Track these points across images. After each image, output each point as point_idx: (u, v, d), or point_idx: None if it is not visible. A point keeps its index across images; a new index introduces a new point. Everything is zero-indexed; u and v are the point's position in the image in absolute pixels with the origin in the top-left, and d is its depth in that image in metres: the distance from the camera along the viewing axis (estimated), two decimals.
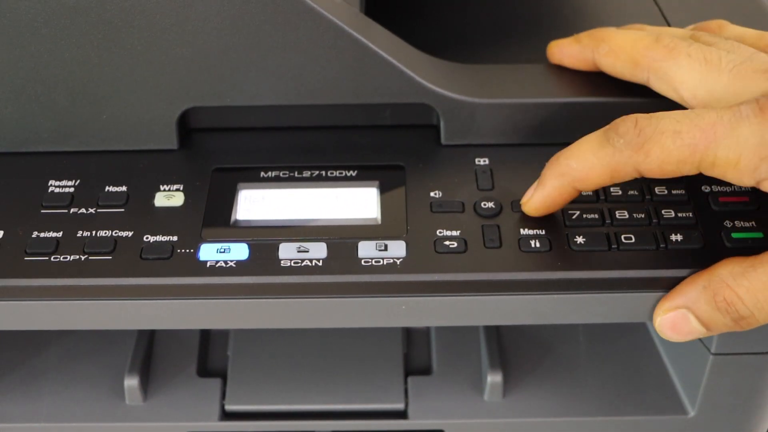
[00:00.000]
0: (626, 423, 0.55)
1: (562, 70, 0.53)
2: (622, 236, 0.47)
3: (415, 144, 0.52)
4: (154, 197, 0.50)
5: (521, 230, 0.47)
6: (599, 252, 0.46)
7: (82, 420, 0.55)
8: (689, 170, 0.43)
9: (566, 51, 0.53)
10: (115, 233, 0.48)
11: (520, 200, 0.48)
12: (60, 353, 0.59)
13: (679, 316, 0.45)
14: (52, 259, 0.46)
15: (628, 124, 0.44)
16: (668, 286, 0.46)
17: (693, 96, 0.47)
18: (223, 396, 0.56)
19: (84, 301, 0.47)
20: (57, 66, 0.49)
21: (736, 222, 0.47)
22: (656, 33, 0.50)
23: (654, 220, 0.48)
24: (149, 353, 0.58)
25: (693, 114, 0.43)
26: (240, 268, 0.46)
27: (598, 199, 0.49)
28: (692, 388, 0.54)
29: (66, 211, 0.49)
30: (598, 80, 0.52)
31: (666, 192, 0.49)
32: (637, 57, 0.49)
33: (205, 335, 0.61)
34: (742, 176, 0.42)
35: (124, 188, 0.50)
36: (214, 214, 0.49)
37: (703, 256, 0.46)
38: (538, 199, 0.47)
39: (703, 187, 0.49)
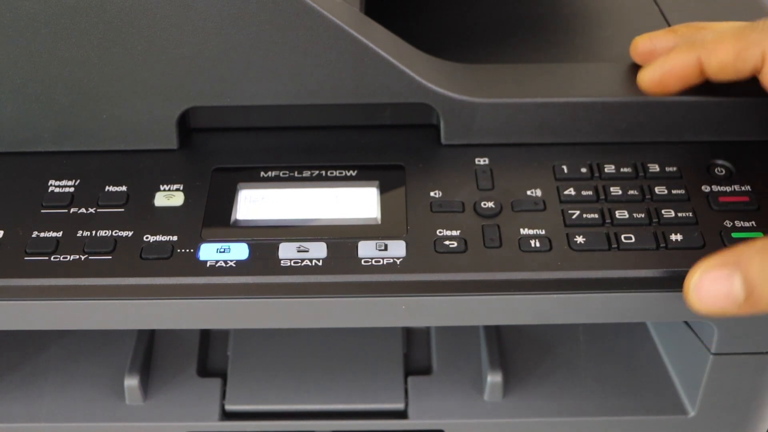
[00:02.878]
0: (626, 423, 0.55)
1: (562, 70, 0.53)
2: (622, 236, 0.47)
3: (415, 144, 0.52)
4: (154, 197, 0.49)
5: (521, 230, 0.47)
6: (599, 252, 0.46)
7: (82, 420, 0.55)
8: None
9: (659, 42, 0.51)
10: (115, 233, 0.48)
11: (520, 199, 0.48)
12: (60, 353, 0.59)
13: (723, 275, 0.43)
14: (52, 259, 0.46)
15: None
16: (668, 286, 0.46)
17: None
18: (223, 396, 0.56)
19: (84, 301, 0.47)
20: (57, 66, 0.49)
21: (736, 222, 0.47)
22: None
23: (654, 220, 0.48)
24: (149, 353, 0.58)
25: None
26: (240, 267, 0.46)
27: (598, 199, 0.49)
28: (692, 388, 0.54)
29: (66, 211, 0.49)
30: (598, 80, 0.52)
31: (666, 192, 0.49)
32: (747, 42, 0.46)
33: (205, 335, 0.61)
34: None
35: (124, 188, 0.50)
36: (214, 214, 0.49)
37: (703, 256, 0.46)
38: (660, 66, 0.47)
39: (703, 187, 0.49)
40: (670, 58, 0.48)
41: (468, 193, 0.49)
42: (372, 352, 0.58)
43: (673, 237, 0.47)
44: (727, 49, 0.46)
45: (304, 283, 0.46)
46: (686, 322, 0.53)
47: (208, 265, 0.46)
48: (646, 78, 0.48)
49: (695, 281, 0.43)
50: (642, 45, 0.52)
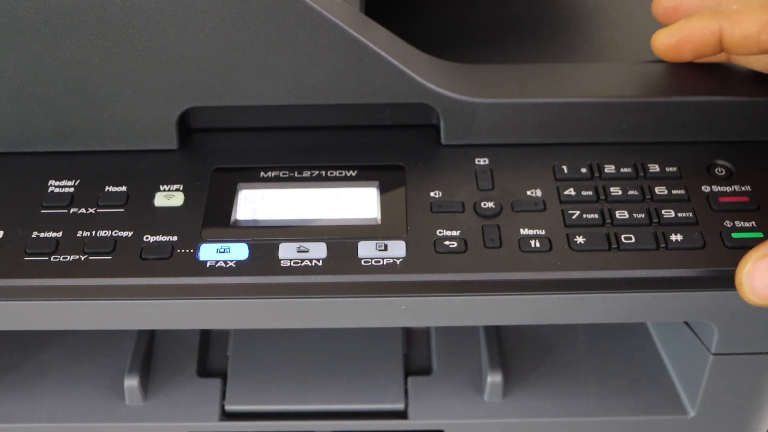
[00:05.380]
0: (626, 423, 0.55)
1: (562, 70, 0.53)
2: (622, 236, 0.47)
3: (415, 144, 0.52)
4: (154, 197, 0.49)
5: (521, 230, 0.47)
6: (599, 252, 0.46)
7: (82, 420, 0.55)
8: None
9: (686, 3, 0.49)
10: (115, 233, 0.48)
11: (520, 200, 0.48)
12: (60, 353, 0.59)
13: None
14: (52, 259, 0.46)
15: None
16: (668, 286, 0.46)
17: None
18: (223, 396, 0.56)
19: (84, 301, 0.47)
20: (57, 66, 0.49)
21: (736, 222, 0.47)
22: None
23: (654, 220, 0.48)
24: (149, 353, 0.58)
25: None
26: (240, 268, 0.46)
27: (598, 199, 0.49)
28: (692, 388, 0.54)
29: (66, 211, 0.49)
30: (598, 80, 0.52)
31: (666, 192, 0.49)
32: None
33: (205, 335, 0.61)
34: None
35: (124, 188, 0.50)
36: (214, 214, 0.49)
37: (703, 256, 0.46)
38: (678, 30, 0.45)
39: (703, 187, 0.49)
40: (690, 23, 0.45)
41: (468, 193, 0.49)
42: (372, 352, 0.58)
43: (673, 237, 0.47)
44: (752, 20, 0.44)
45: (304, 284, 0.46)
46: (686, 322, 0.53)
47: (208, 265, 0.46)
48: (661, 41, 0.46)
49: (747, 272, 0.42)
50: (666, 1, 0.50)
